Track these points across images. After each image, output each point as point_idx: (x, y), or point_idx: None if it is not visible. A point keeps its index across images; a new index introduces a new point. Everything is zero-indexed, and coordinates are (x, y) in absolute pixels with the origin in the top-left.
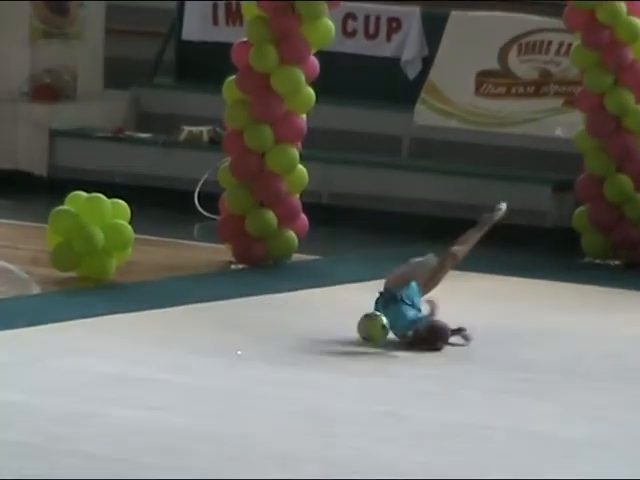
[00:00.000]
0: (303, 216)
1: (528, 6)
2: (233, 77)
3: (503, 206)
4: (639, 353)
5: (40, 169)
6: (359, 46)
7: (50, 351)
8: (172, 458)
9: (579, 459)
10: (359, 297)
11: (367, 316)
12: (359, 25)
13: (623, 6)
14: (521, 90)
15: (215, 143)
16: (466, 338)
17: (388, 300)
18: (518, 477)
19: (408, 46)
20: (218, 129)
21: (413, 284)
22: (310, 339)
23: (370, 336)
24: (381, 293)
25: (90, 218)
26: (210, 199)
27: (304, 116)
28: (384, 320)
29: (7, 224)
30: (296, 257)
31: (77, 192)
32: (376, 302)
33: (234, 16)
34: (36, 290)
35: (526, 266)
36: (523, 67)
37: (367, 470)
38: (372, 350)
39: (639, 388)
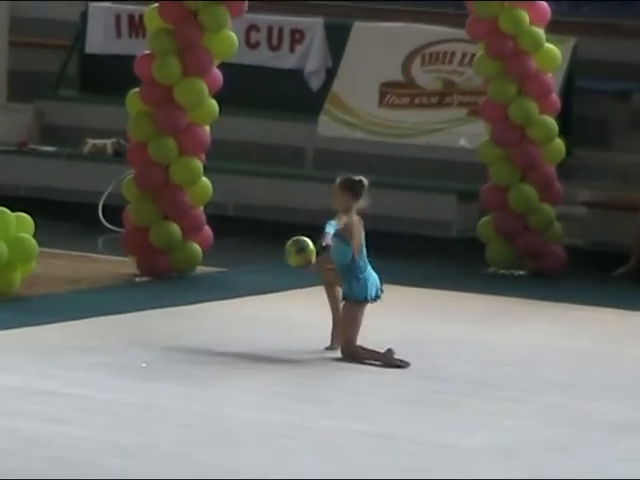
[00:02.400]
0: (207, 228)
1: (431, 16)
2: (136, 89)
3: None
4: (545, 363)
5: None
6: (262, 58)
7: None
8: (75, 470)
9: (483, 468)
10: (264, 309)
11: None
12: (262, 37)
13: (526, 16)
14: (425, 100)
15: (119, 155)
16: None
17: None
18: None
19: (311, 57)
20: (122, 141)
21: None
22: (215, 351)
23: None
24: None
25: None
26: (114, 212)
27: (208, 128)
28: (304, 246)
29: None
30: (201, 269)
31: None
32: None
33: (137, 28)
34: None
35: (431, 276)
36: (427, 77)
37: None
38: (278, 361)
39: (544, 397)
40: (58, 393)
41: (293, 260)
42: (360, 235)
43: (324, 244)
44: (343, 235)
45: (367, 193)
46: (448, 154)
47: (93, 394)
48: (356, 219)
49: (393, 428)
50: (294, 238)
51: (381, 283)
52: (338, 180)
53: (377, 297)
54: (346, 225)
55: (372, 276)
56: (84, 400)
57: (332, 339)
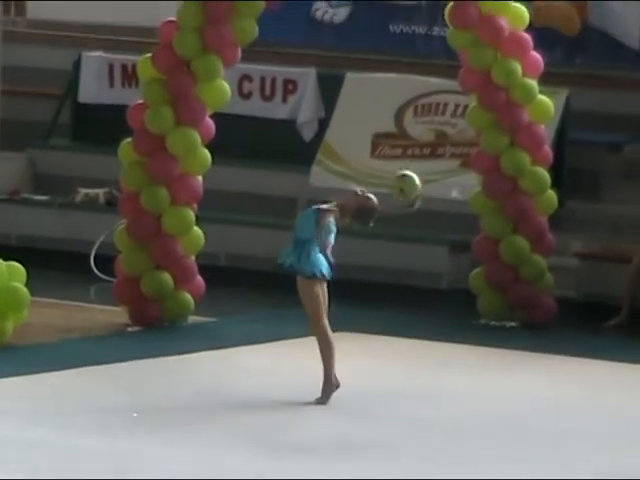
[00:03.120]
0: (199, 277)
1: (424, 68)
2: (129, 139)
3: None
4: (534, 413)
5: None
6: (255, 108)
7: None
8: None
9: None
10: (255, 359)
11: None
12: (255, 87)
13: (519, 67)
14: (417, 152)
15: (111, 205)
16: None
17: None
18: None
19: (304, 108)
20: (114, 191)
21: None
22: (206, 401)
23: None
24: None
25: None
26: (106, 261)
27: (200, 178)
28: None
29: None
30: (192, 319)
31: None
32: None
33: (130, 78)
34: None
35: (422, 327)
36: (419, 129)
37: None
38: (266, 409)
39: (532, 446)
40: (46, 442)
41: (411, 192)
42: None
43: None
44: (321, 214)
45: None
46: (440, 205)
47: (82, 443)
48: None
49: (374, 473)
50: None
51: (331, 269)
52: (367, 199)
53: (325, 277)
54: (335, 211)
55: (322, 258)
56: (72, 449)
57: (322, 391)
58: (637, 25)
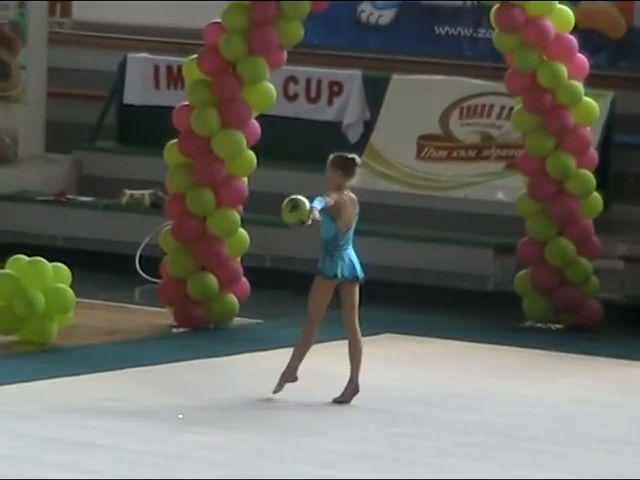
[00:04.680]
0: (244, 280)
1: (469, 70)
2: (175, 141)
3: None
4: (579, 417)
5: None
6: (300, 110)
7: None
8: None
9: None
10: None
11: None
12: (300, 89)
13: (564, 70)
14: (462, 154)
15: (157, 207)
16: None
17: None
18: None
19: (349, 110)
20: (160, 193)
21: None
22: (251, 403)
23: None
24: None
25: (31, 282)
26: (151, 263)
27: (245, 180)
28: (298, 204)
29: None
30: (237, 321)
31: (18, 256)
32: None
33: (175, 79)
34: None
35: (468, 330)
36: (464, 131)
37: None
38: (312, 413)
39: (578, 451)
40: (93, 444)
41: (287, 217)
42: (349, 213)
43: (311, 219)
44: (331, 212)
45: (359, 171)
46: (485, 207)
47: (128, 445)
48: (348, 198)
49: None
50: (290, 197)
51: (362, 268)
52: (331, 157)
53: (353, 277)
54: (336, 202)
55: (348, 257)
56: (118, 451)
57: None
58: None
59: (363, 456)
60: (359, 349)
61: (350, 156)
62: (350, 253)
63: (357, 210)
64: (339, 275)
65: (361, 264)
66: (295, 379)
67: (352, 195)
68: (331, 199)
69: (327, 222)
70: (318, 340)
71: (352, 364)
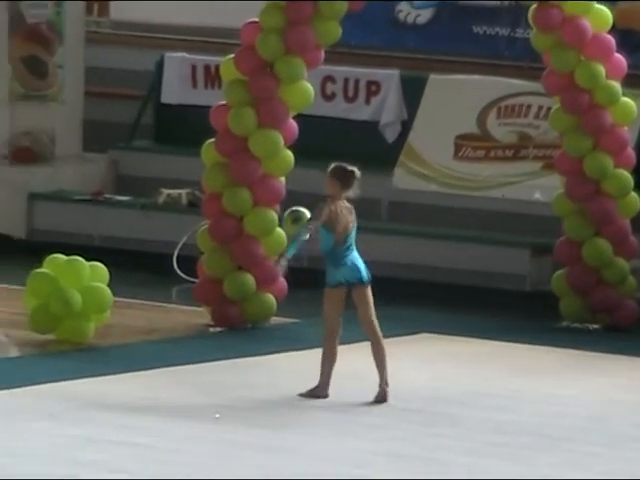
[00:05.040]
0: (282, 279)
1: (507, 69)
2: (212, 140)
3: None
4: (615, 416)
5: (19, 232)
6: (338, 109)
7: (26, 414)
8: None
9: None
10: (337, 360)
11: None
12: (338, 88)
13: (602, 69)
14: (500, 153)
15: (194, 206)
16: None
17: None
18: None
19: (387, 109)
20: (197, 192)
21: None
22: (287, 402)
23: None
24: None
25: (68, 281)
26: (188, 262)
27: (282, 179)
28: (300, 216)
29: None
30: (274, 320)
31: (55, 255)
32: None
33: (213, 79)
34: (14, 353)
35: (504, 330)
36: (502, 130)
37: None
38: (344, 413)
39: (613, 451)
40: (128, 443)
41: (288, 229)
42: (345, 224)
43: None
44: (327, 224)
45: (358, 183)
46: (522, 207)
47: (164, 444)
48: (345, 207)
49: None
50: (292, 208)
51: (367, 269)
52: (331, 166)
53: (357, 281)
54: (329, 215)
55: (351, 261)
56: (154, 450)
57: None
58: None
59: (396, 456)
60: (382, 350)
61: (350, 168)
62: (353, 257)
63: (353, 218)
64: (343, 281)
65: (366, 264)
66: (326, 396)
67: (347, 204)
68: (320, 218)
69: (324, 234)
70: (349, 341)
71: (378, 369)
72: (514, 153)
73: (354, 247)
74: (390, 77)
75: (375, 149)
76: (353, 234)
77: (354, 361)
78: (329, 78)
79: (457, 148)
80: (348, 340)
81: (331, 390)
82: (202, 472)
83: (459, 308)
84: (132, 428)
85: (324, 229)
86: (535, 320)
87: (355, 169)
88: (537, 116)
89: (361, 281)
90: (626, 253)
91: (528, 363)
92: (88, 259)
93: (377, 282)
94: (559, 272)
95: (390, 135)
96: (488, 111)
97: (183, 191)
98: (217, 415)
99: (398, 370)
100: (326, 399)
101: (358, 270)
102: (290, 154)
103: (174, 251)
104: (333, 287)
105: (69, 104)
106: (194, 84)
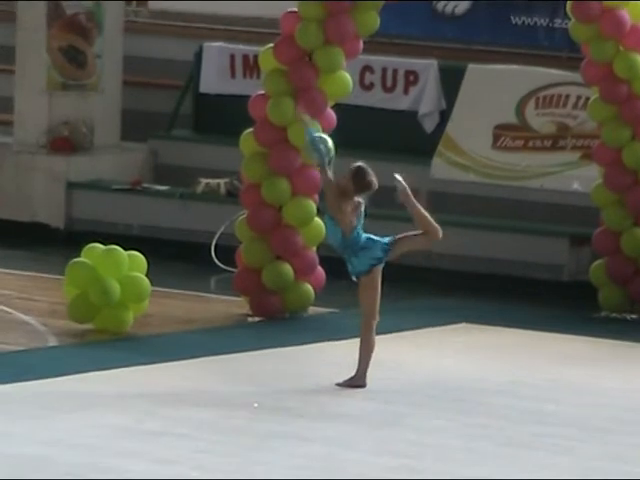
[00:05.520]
0: (320, 269)
1: (545, 60)
2: (250, 130)
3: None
4: None
5: (57, 221)
6: (376, 99)
7: (66, 404)
8: None
9: None
10: (375, 349)
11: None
12: (376, 78)
13: None
14: (538, 144)
15: (232, 196)
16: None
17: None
18: None
19: (425, 99)
20: (235, 182)
21: None
22: (326, 392)
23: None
24: None
25: (107, 270)
26: (227, 252)
27: None
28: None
29: (24, 276)
30: (313, 310)
31: (94, 244)
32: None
33: (251, 69)
34: (52, 342)
35: (543, 319)
36: (540, 120)
37: None
38: (385, 403)
39: None
40: (168, 433)
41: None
42: (349, 217)
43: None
44: (332, 217)
45: (368, 195)
46: (561, 197)
47: (203, 434)
48: (353, 203)
49: (504, 472)
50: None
51: (389, 241)
52: (356, 167)
53: (385, 253)
54: (335, 185)
55: (369, 238)
56: (194, 440)
57: None
58: None
59: (437, 446)
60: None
61: (369, 179)
62: (366, 237)
63: (362, 209)
64: (374, 262)
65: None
66: (364, 385)
67: (356, 199)
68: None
69: (331, 227)
70: (390, 330)
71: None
72: (552, 143)
73: (362, 230)
74: (428, 67)
75: (413, 139)
76: (361, 220)
77: (392, 351)
78: (368, 68)
79: (495, 138)
80: (385, 330)
81: (369, 380)
82: (243, 461)
83: (498, 298)
84: (172, 418)
85: (330, 220)
86: (573, 310)
87: (374, 180)
88: (575, 106)
89: (386, 250)
90: None
91: (567, 353)
92: (126, 249)
93: (415, 272)
94: (597, 262)
95: (428, 125)
96: (527, 101)
97: (222, 181)
98: (255, 405)
99: (439, 360)
100: (364, 388)
101: (381, 243)
102: None
103: (212, 241)
104: (367, 273)
105: (108, 94)
106: (232, 74)
